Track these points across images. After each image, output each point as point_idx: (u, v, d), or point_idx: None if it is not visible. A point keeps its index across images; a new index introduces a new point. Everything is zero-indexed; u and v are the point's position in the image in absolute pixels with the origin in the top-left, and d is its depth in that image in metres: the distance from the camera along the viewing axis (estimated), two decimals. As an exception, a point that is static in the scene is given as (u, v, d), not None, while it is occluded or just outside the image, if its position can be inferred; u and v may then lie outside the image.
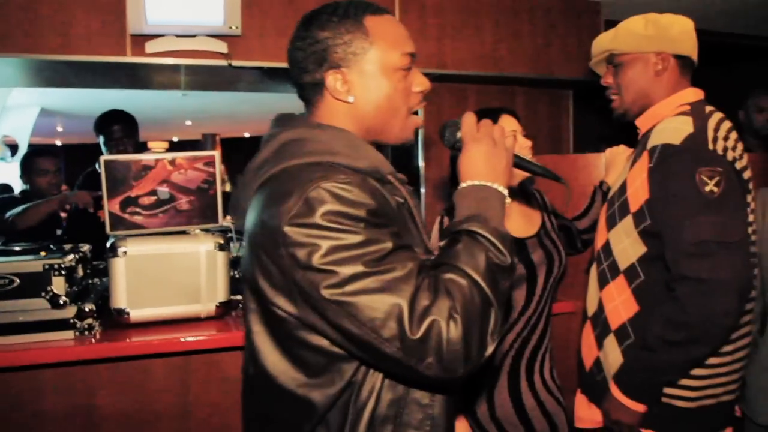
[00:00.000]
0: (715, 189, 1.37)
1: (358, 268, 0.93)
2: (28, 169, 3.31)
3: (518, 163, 1.19)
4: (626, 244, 1.52)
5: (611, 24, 3.48)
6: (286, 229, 0.96)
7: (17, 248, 2.08)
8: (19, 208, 3.01)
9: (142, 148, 1.96)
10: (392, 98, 1.12)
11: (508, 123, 1.90)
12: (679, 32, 1.60)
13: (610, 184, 2.09)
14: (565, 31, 3.47)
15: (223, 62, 2.85)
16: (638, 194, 1.49)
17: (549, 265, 1.88)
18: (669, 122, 1.49)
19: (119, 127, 3.22)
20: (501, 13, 3.30)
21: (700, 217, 1.38)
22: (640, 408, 1.49)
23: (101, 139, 3.25)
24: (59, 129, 9.28)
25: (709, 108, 1.55)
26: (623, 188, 1.56)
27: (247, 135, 13.24)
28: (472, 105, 3.52)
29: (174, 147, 3.39)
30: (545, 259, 1.87)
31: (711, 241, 1.36)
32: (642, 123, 1.64)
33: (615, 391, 1.52)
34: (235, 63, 2.87)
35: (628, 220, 1.51)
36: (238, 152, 6.48)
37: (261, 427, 1.18)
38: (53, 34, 2.64)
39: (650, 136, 1.51)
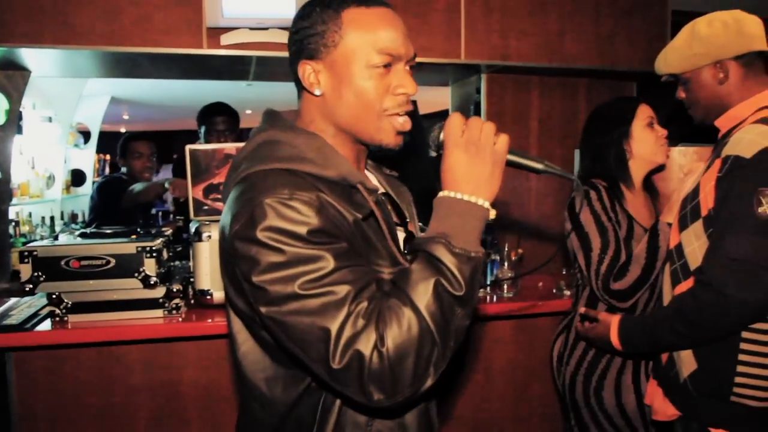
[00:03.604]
0: None
1: (293, 288, 0.92)
2: (124, 152, 3.52)
3: (515, 163, 1.09)
4: (695, 246, 1.54)
5: (678, 14, 3.42)
6: (234, 242, 0.97)
7: (108, 231, 2.23)
8: (141, 185, 3.30)
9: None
10: (361, 96, 1.07)
11: (646, 111, 1.98)
12: (726, 37, 1.58)
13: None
14: (630, 22, 3.42)
15: (294, 54, 2.93)
16: (707, 200, 1.51)
17: None
18: (747, 132, 1.48)
19: (222, 119, 3.34)
20: (565, 5, 3.28)
21: (742, 234, 1.40)
22: (619, 349, 1.70)
23: (202, 130, 3.37)
24: (125, 117, 9.61)
25: None
26: (696, 191, 1.57)
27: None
28: (535, 96, 3.51)
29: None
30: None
31: (745, 260, 1.39)
32: (721, 124, 1.65)
33: (614, 326, 1.69)
34: (306, 55, 2.94)
35: (699, 224, 1.53)
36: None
37: (242, 413, 1.21)
38: (133, 27, 2.75)
39: (728, 141, 1.51)
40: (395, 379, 0.91)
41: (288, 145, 1.06)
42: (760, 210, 1.39)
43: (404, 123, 1.11)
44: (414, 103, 3.72)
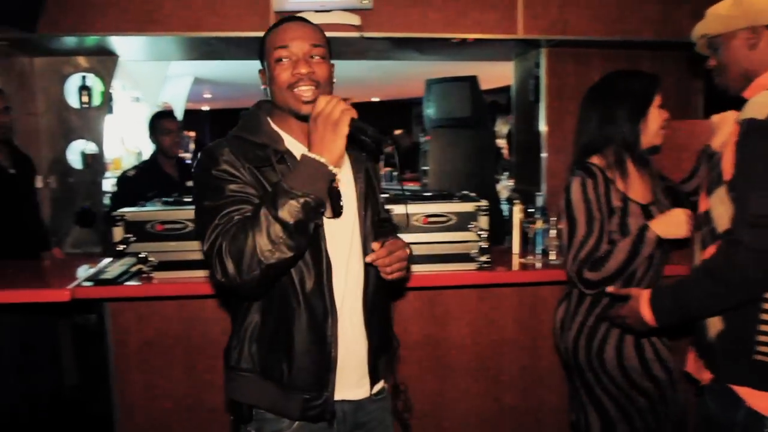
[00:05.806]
0: None
1: (201, 202, 1.46)
2: (153, 129, 3.72)
3: (353, 132, 1.41)
4: (721, 210, 1.59)
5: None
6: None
7: (187, 199, 2.49)
8: None
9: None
10: (274, 80, 1.53)
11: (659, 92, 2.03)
12: (764, 3, 1.62)
13: (715, 148, 2.10)
14: (697, -11, 3.34)
15: (356, 34, 3.07)
16: (728, 165, 1.56)
17: None
18: (760, 96, 1.54)
19: None
20: (627, -24, 3.24)
21: (764, 192, 1.46)
22: (651, 323, 1.70)
23: None
24: (207, 95, 10.11)
25: None
26: (720, 157, 1.63)
27: (376, 99, 13.57)
28: (595, 70, 3.47)
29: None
30: None
31: None
32: (748, 94, 1.67)
33: (644, 298, 1.71)
34: (367, 34, 3.07)
35: (723, 189, 1.59)
36: (369, 114, 6.74)
37: None
38: (209, 14, 2.98)
39: (744, 107, 1.56)
40: (232, 266, 1.36)
41: (244, 121, 1.62)
42: None
43: (305, 93, 1.51)
44: (474, 78, 3.81)
